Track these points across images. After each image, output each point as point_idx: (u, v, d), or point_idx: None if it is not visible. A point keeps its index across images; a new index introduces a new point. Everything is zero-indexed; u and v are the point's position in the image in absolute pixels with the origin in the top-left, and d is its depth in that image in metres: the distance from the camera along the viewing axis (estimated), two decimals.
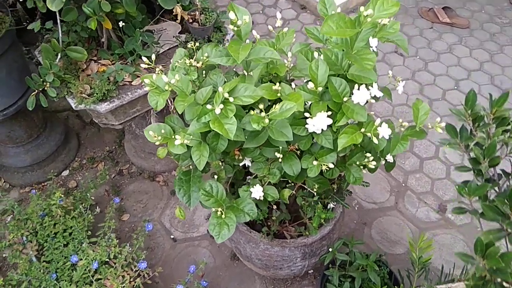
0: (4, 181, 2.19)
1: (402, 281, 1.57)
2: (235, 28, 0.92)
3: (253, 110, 1.01)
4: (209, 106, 0.90)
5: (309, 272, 1.89)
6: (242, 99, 0.92)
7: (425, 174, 2.27)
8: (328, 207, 1.47)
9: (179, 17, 1.70)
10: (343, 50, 1.02)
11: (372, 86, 0.99)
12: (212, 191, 1.08)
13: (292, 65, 1.23)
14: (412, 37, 3.07)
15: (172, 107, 1.51)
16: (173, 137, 1.11)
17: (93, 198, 1.87)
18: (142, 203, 2.15)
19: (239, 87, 0.93)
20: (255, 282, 1.86)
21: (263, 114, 0.90)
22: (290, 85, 1.17)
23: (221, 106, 0.89)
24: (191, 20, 1.71)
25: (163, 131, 1.08)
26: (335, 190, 1.46)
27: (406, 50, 1.15)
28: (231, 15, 0.90)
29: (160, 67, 1.08)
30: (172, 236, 2.03)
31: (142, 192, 2.19)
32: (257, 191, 1.12)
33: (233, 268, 1.91)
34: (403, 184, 2.23)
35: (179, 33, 1.80)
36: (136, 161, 2.24)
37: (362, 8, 0.88)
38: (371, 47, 1.06)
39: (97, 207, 1.81)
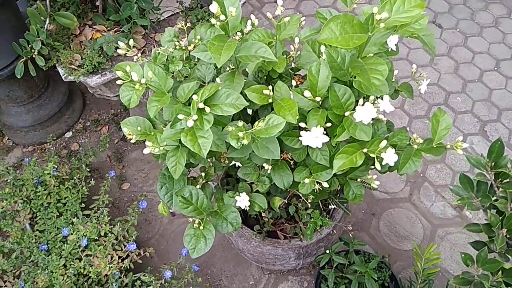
0: (8, 139, 2.16)
1: None
2: (218, 23, 0.76)
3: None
4: (180, 116, 0.76)
5: None
6: (223, 108, 0.78)
7: (447, 165, 2.09)
8: (329, 207, 1.34)
9: None
10: (354, 51, 0.84)
11: (382, 99, 0.83)
12: (191, 198, 0.97)
13: (298, 52, 1.07)
14: (454, 5, 2.74)
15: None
16: (152, 134, 0.99)
17: (88, 169, 1.80)
18: (143, 173, 2.08)
19: (220, 93, 0.79)
20: (251, 266, 1.80)
21: (241, 134, 0.76)
22: (292, 80, 1.01)
23: (195, 117, 0.75)
24: None
25: (139, 127, 0.96)
26: (338, 190, 1.33)
27: (433, 49, 0.97)
28: (213, 7, 0.73)
29: (139, 54, 0.93)
30: (170, 210, 1.96)
31: (145, 161, 2.11)
32: (242, 200, 1.00)
33: (230, 249, 1.85)
34: (421, 175, 2.07)
35: None
36: None
37: (375, 9, 0.69)
38: (389, 47, 0.88)
39: (92, 179, 1.74)
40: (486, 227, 0.55)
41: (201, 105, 0.75)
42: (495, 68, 2.43)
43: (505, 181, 0.56)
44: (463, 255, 0.57)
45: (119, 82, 0.88)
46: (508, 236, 0.54)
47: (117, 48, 1.40)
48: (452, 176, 2.05)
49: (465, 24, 2.64)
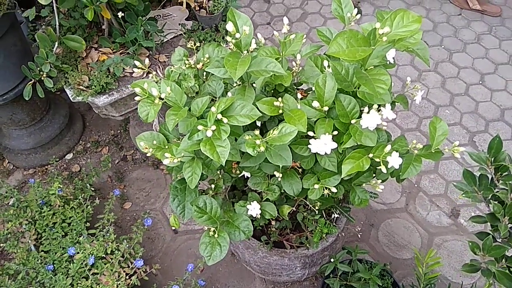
0: (8, 162, 2.17)
1: None
2: (233, 41, 0.82)
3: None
4: (200, 127, 0.82)
5: None
6: (238, 119, 0.83)
7: (440, 175, 2.16)
8: (332, 216, 1.39)
9: (184, 3, 1.59)
10: (355, 64, 0.91)
11: (384, 107, 0.89)
12: (205, 207, 1.01)
13: (300, 68, 1.13)
14: (438, 24, 2.88)
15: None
16: (166, 147, 1.04)
17: (93, 189, 1.83)
18: (145, 192, 2.11)
19: (235, 105, 0.85)
20: (255, 280, 1.83)
21: (258, 141, 0.81)
22: (296, 93, 1.08)
23: (213, 127, 0.81)
24: (198, 8, 1.60)
25: (155, 141, 1.01)
26: (340, 199, 1.39)
27: (427, 62, 1.04)
28: (229, 26, 0.80)
29: (154, 73, 0.99)
30: (173, 228, 1.99)
31: (146, 180, 2.14)
32: (254, 209, 1.05)
33: (233, 264, 1.88)
34: (416, 185, 2.13)
35: (186, 19, 1.70)
36: None
37: (377, 24, 0.77)
38: (387, 60, 0.96)
39: (97, 198, 1.77)
40: (490, 217, 0.60)
41: (219, 116, 0.80)
42: (480, 82, 2.55)
43: (504, 173, 0.62)
44: (470, 244, 0.63)
45: (137, 98, 0.94)
46: (510, 225, 0.60)
47: (124, 69, 1.46)
48: (445, 186, 2.12)
49: (449, 41, 2.77)
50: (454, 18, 2.92)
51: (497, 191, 0.61)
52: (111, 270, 1.52)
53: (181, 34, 1.62)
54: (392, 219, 2.02)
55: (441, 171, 2.17)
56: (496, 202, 0.59)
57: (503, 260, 0.63)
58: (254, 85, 1.07)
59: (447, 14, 2.94)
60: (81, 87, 1.43)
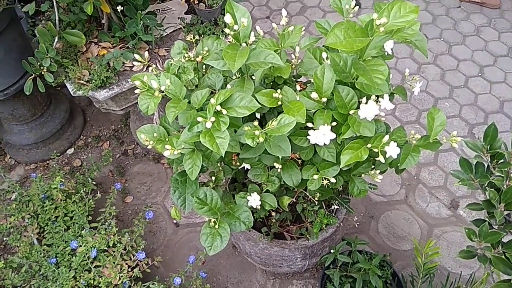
0: (10, 157, 2.18)
1: (405, 286, 1.52)
2: (232, 33, 0.83)
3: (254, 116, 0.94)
4: (199, 119, 0.83)
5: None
6: (237, 111, 0.84)
7: (439, 167, 2.17)
8: (332, 208, 1.40)
9: None
10: (353, 55, 0.92)
11: (382, 98, 0.90)
12: (206, 198, 1.02)
13: (299, 60, 1.14)
14: (437, 16, 2.87)
15: None
16: (166, 140, 1.05)
17: (94, 183, 1.85)
18: (146, 186, 2.12)
19: (234, 97, 0.85)
20: (256, 272, 1.84)
21: (257, 132, 0.82)
22: (295, 85, 1.09)
23: (213, 119, 0.82)
24: (197, 2, 1.60)
25: (155, 134, 1.01)
26: (340, 190, 1.40)
27: (425, 53, 1.05)
28: (227, 18, 0.81)
29: (154, 66, 0.99)
30: (174, 221, 2.01)
31: (147, 174, 2.15)
32: (254, 200, 1.06)
33: (235, 256, 1.89)
34: (415, 177, 2.14)
35: (185, 13, 1.70)
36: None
37: (374, 15, 0.77)
38: (385, 52, 0.96)
39: (98, 192, 1.78)
40: (486, 203, 0.61)
41: (218, 108, 0.81)
42: (479, 74, 2.55)
43: (500, 161, 0.63)
44: (467, 230, 0.64)
45: (137, 91, 0.94)
46: (506, 212, 0.61)
47: (124, 63, 1.46)
48: (444, 178, 2.13)
49: (448, 34, 2.77)
50: (453, 10, 2.92)
51: (493, 178, 0.62)
52: (114, 262, 1.54)
53: (180, 28, 1.63)
54: (391, 211, 2.04)
55: (441, 163, 2.18)
56: (492, 189, 0.60)
57: (499, 246, 0.64)
58: (253, 77, 1.08)
59: (446, 7, 2.94)
60: (81, 81, 1.44)
